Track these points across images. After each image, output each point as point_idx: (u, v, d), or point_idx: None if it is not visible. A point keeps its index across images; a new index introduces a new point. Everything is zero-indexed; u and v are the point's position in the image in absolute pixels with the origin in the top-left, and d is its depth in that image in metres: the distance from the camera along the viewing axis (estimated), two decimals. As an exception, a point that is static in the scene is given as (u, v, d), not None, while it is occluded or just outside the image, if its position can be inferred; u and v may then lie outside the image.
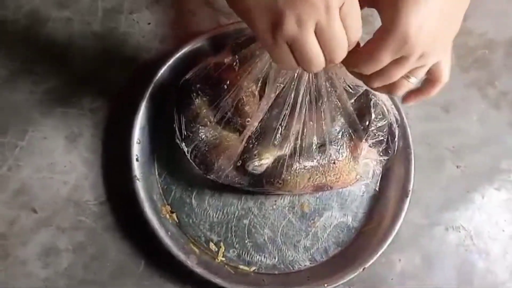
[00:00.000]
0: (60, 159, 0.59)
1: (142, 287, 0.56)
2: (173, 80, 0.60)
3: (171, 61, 0.60)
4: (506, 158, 0.66)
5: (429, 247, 0.62)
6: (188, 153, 0.54)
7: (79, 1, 0.64)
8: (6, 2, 0.63)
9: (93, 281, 0.56)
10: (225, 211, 0.59)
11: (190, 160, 0.55)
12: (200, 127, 0.54)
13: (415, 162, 0.60)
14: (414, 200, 0.60)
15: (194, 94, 0.54)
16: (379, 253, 0.56)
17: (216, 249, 0.58)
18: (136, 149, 0.57)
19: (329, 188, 0.56)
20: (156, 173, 0.59)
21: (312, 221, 0.60)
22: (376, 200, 0.62)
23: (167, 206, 0.58)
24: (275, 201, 0.60)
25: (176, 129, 0.54)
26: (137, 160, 0.56)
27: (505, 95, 0.69)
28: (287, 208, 0.60)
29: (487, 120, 0.67)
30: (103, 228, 0.57)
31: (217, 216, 0.59)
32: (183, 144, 0.54)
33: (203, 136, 0.54)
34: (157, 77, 0.59)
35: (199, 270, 0.54)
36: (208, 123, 0.54)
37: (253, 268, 0.58)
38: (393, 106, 0.58)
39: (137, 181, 0.55)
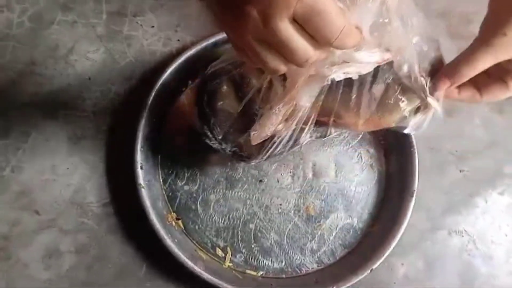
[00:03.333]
0: (62, 161, 0.59)
1: (144, 289, 0.56)
2: (177, 84, 0.60)
3: (174, 65, 0.60)
4: (510, 163, 0.66)
5: (432, 251, 0.61)
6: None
7: (84, 4, 0.65)
8: (11, 5, 0.63)
9: (95, 283, 0.56)
10: (230, 216, 0.59)
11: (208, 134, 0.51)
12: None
13: (418, 164, 0.60)
14: (417, 204, 0.59)
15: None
16: (387, 253, 0.56)
17: (223, 255, 0.58)
18: (140, 157, 0.57)
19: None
20: (161, 180, 0.59)
21: (318, 224, 0.60)
22: (381, 201, 0.62)
23: (172, 213, 0.58)
24: (280, 204, 0.60)
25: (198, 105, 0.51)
26: (141, 168, 0.56)
27: (508, 100, 0.68)
28: (292, 211, 0.60)
29: (491, 124, 0.67)
30: (105, 230, 0.57)
31: (223, 221, 0.59)
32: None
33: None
34: (160, 82, 0.59)
35: (207, 276, 0.53)
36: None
37: (260, 273, 0.58)
38: None
39: (142, 189, 0.55)
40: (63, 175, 0.58)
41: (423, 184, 0.61)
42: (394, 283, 0.60)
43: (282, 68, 0.33)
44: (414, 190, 0.59)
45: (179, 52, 0.61)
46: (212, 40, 0.62)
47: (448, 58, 0.69)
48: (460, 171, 0.65)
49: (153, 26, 0.65)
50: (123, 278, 0.56)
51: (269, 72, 0.36)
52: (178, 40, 0.65)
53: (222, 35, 0.62)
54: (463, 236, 0.62)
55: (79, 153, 0.59)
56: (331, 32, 0.30)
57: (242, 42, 0.32)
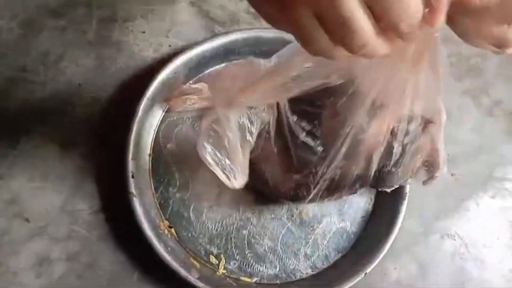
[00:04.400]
0: (53, 168, 0.58)
1: (136, 297, 0.56)
2: (169, 90, 0.60)
3: (165, 71, 0.59)
4: (501, 166, 0.66)
5: (424, 255, 0.61)
6: None
7: (75, 10, 0.64)
8: (1, 12, 0.63)
9: (87, 291, 0.55)
10: (224, 223, 0.59)
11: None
12: None
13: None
14: (410, 208, 0.60)
15: None
16: (380, 258, 0.56)
17: (217, 262, 0.57)
18: (131, 165, 0.56)
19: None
20: (153, 188, 0.59)
21: (311, 229, 0.60)
22: (374, 205, 0.62)
23: (165, 221, 0.58)
24: (274, 210, 0.60)
25: None
26: (132, 176, 0.56)
27: (498, 104, 0.69)
28: (285, 216, 0.60)
29: (482, 128, 0.68)
30: (97, 238, 0.56)
31: (216, 228, 0.59)
32: None
33: None
34: (151, 89, 0.58)
35: (201, 284, 0.53)
36: None
37: (254, 279, 0.58)
38: None
39: (134, 197, 0.55)
40: (54, 182, 0.58)
41: (415, 188, 0.61)
42: (387, 287, 0.60)
43: (331, 51, 0.28)
44: (406, 193, 0.59)
45: (170, 58, 0.61)
46: (203, 45, 0.62)
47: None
48: (452, 174, 0.65)
49: (144, 32, 0.65)
50: (115, 286, 0.55)
51: (312, 53, 0.30)
52: (169, 45, 0.65)
53: (212, 41, 0.62)
54: (455, 240, 0.63)
55: (69, 160, 0.59)
56: (402, 14, 0.25)
57: (291, 14, 0.27)
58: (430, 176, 0.51)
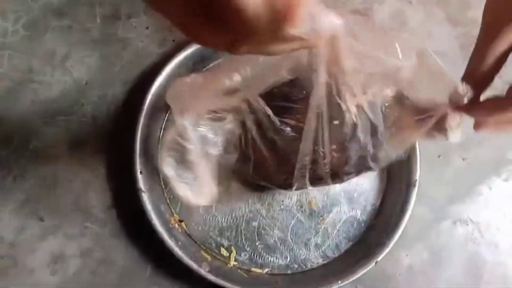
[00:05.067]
0: (64, 168, 0.59)
1: (151, 290, 0.57)
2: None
3: (170, 66, 0.60)
4: (513, 149, 0.65)
5: (437, 241, 0.61)
6: None
7: (77, 9, 0.65)
8: (5, 13, 0.64)
9: (101, 286, 0.56)
10: (233, 215, 0.59)
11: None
12: None
13: (420, 155, 0.60)
14: (420, 194, 0.59)
15: None
16: (391, 245, 0.56)
17: (228, 254, 0.58)
18: (139, 162, 0.56)
19: None
20: (162, 183, 0.59)
21: (321, 218, 0.60)
22: (383, 193, 0.62)
23: (175, 215, 0.58)
24: (283, 201, 0.60)
25: None
26: (140, 173, 0.56)
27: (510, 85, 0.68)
28: (295, 207, 0.60)
29: (493, 110, 0.66)
30: (109, 234, 0.57)
31: (226, 220, 0.59)
32: None
33: None
34: (156, 85, 0.59)
35: (212, 277, 0.53)
36: None
37: (266, 270, 0.58)
38: None
39: (143, 193, 0.55)
40: (65, 181, 0.59)
41: (426, 174, 0.60)
42: (399, 274, 0.60)
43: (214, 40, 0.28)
44: (416, 180, 0.59)
45: (174, 53, 0.61)
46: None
47: (447, 45, 0.69)
48: (463, 159, 0.64)
49: (147, 28, 0.65)
50: (128, 281, 0.56)
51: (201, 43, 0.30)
52: (173, 40, 0.65)
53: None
54: (468, 225, 0.62)
55: (79, 158, 0.60)
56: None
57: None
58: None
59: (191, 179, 0.44)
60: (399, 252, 0.60)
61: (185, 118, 0.42)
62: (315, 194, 0.61)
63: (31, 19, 0.64)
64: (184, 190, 0.45)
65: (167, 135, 0.44)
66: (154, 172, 0.59)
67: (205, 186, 0.45)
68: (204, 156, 0.44)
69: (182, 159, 0.43)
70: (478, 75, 0.39)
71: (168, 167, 0.44)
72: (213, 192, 0.46)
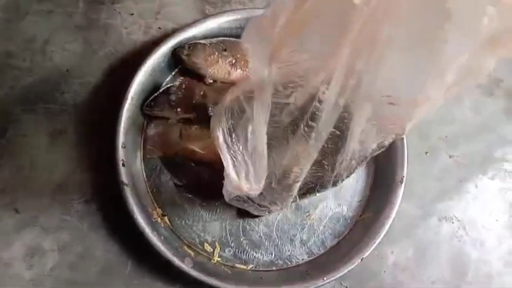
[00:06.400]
0: (42, 157, 0.57)
1: (131, 286, 0.55)
2: (159, 75, 0.59)
3: (155, 55, 0.57)
4: (500, 147, 0.65)
5: (422, 238, 0.61)
6: None
7: (60, -8, 0.62)
8: (-18, -5, 0.61)
9: (80, 281, 0.54)
10: (218, 211, 0.58)
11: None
12: None
13: (408, 151, 0.59)
14: (407, 191, 0.58)
15: None
16: (377, 242, 0.55)
17: (211, 250, 0.57)
18: (122, 154, 0.54)
19: None
20: (144, 176, 0.57)
21: (307, 214, 0.59)
22: (370, 189, 0.61)
23: (158, 209, 0.56)
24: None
25: None
26: (123, 165, 0.54)
27: (498, 83, 0.67)
28: (280, 201, 0.59)
29: (481, 108, 0.66)
30: (89, 227, 0.56)
31: (210, 216, 0.58)
32: None
33: None
34: (140, 73, 0.57)
35: (195, 273, 0.52)
36: None
37: (250, 266, 0.57)
38: None
39: (125, 186, 0.53)
40: (43, 171, 0.57)
41: (413, 170, 0.59)
42: (384, 271, 0.59)
43: None
44: (404, 177, 0.58)
45: (159, 41, 0.59)
46: (194, 27, 0.59)
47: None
48: (450, 156, 0.64)
49: (132, 14, 0.63)
50: (108, 276, 0.55)
51: None
52: (159, 28, 0.63)
53: (203, 22, 0.60)
54: (453, 223, 0.62)
55: (59, 148, 0.57)
56: None
57: None
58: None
59: (244, 155, 0.36)
60: (385, 249, 0.59)
61: (269, 70, 0.30)
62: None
63: (11, 2, 0.61)
64: (229, 166, 0.37)
65: (229, 93, 0.36)
66: (137, 164, 0.57)
67: (257, 171, 0.37)
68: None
69: (241, 128, 0.35)
70: None
71: (219, 132, 0.35)
72: (263, 177, 0.38)
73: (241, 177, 0.37)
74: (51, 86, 0.60)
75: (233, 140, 0.36)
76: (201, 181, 0.57)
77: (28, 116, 0.58)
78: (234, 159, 0.37)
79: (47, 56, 0.60)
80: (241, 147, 0.36)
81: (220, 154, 0.37)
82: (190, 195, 0.57)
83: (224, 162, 0.37)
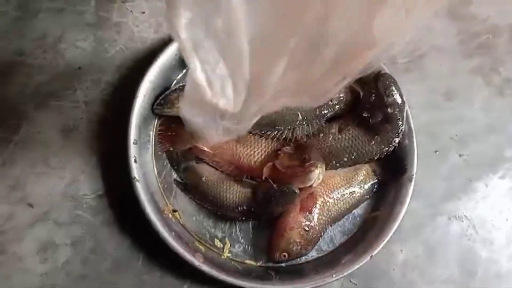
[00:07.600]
0: (55, 153, 0.58)
1: (142, 281, 0.56)
2: (170, 72, 0.59)
3: (166, 53, 0.58)
4: (510, 146, 0.65)
5: (432, 237, 0.61)
6: None
7: (71, -10, 0.63)
8: (-5, -6, 0.62)
9: (92, 275, 0.55)
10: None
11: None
12: None
13: (417, 150, 0.59)
14: (417, 190, 0.58)
15: None
16: (386, 240, 0.55)
17: (222, 245, 0.57)
18: (133, 150, 0.55)
19: None
20: (156, 172, 0.58)
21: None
22: (380, 187, 0.61)
23: (169, 205, 0.57)
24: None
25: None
26: (135, 161, 0.55)
27: (509, 82, 0.67)
28: (291, 199, 0.59)
29: (491, 107, 0.66)
30: (101, 222, 0.56)
31: (220, 211, 0.58)
32: None
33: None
34: (151, 71, 0.57)
35: (205, 268, 0.53)
36: None
37: (260, 262, 0.57)
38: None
39: (137, 182, 0.54)
40: (56, 167, 0.57)
41: (423, 169, 0.59)
42: (393, 269, 0.59)
43: None
44: (413, 175, 0.58)
45: (170, 39, 0.59)
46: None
47: (447, 39, 0.68)
48: (460, 155, 0.64)
49: (143, 12, 0.63)
50: (119, 271, 0.55)
51: None
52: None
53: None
54: (463, 222, 0.62)
55: (71, 144, 0.58)
56: None
57: None
58: None
59: (215, 60, 0.26)
60: (394, 247, 0.59)
61: None
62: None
63: (23, 0, 0.62)
64: (200, 73, 0.26)
65: None
66: (148, 160, 0.57)
67: (236, 81, 0.26)
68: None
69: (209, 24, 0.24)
70: None
71: (184, 25, 0.24)
72: (240, 100, 0.28)
73: (215, 89, 0.27)
74: (63, 83, 0.60)
75: (206, 39, 0.25)
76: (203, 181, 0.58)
77: (40, 113, 0.59)
78: (205, 65, 0.26)
79: (59, 54, 0.61)
80: (215, 50, 0.25)
81: (189, 60, 0.26)
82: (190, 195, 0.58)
83: (193, 71, 0.27)
